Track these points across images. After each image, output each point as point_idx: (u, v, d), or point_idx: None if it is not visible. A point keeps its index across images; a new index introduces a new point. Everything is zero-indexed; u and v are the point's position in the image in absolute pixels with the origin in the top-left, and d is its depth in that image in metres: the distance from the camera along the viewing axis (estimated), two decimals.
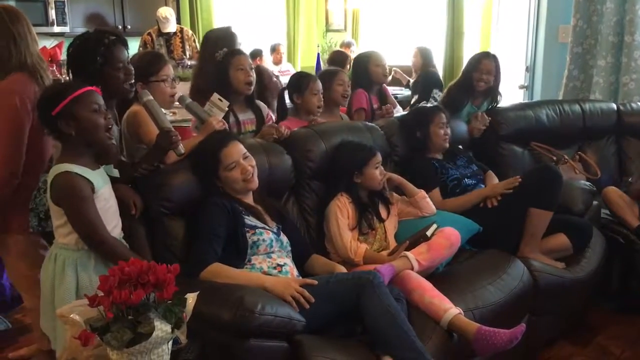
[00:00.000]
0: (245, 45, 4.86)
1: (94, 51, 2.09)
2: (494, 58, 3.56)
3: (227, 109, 2.60)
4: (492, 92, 3.61)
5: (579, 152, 3.73)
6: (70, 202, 1.89)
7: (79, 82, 1.96)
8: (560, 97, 4.47)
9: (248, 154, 2.35)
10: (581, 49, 4.45)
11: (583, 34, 4.42)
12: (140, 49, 5.48)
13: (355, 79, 3.82)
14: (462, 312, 2.20)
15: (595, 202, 3.24)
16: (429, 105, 3.50)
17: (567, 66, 4.49)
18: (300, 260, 2.39)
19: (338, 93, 3.32)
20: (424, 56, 5.10)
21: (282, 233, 2.34)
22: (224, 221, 2.18)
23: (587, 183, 3.31)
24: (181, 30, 5.75)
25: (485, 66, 3.52)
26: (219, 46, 3.27)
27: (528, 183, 2.83)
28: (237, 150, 2.32)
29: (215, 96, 2.58)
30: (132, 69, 2.19)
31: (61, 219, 1.93)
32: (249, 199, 2.36)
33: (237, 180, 2.29)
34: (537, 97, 4.85)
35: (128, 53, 2.23)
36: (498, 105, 3.68)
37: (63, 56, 5.04)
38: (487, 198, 2.89)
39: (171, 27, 5.60)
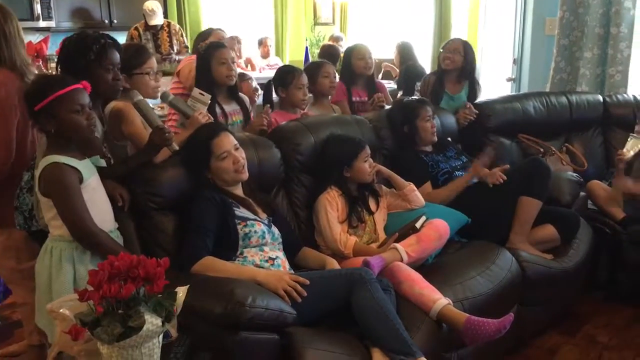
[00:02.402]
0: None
1: (89, 47, 2.09)
2: (461, 41, 3.62)
3: (209, 102, 2.61)
4: (466, 76, 3.61)
5: (566, 144, 3.77)
6: (56, 191, 1.89)
7: (67, 78, 1.95)
8: (547, 89, 4.49)
9: (239, 145, 2.35)
10: (568, 41, 4.47)
11: (569, 26, 4.44)
12: None
13: (340, 71, 3.84)
14: (451, 302, 2.22)
15: (582, 193, 3.27)
16: (413, 98, 3.50)
17: (554, 58, 4.52)
18: (291, 253, 2.39)
19: (325, 85, 3.35)
20: (401, 51, 5.10)
21: (273, 225, 2.35)
22: (214, 214, 2.18)
23: (574, 174, 3.34)
24: (168, 25, 5.70)
25: (449, 46, 3.59)
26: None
27: (517, 175, 2.85)
28: (229, 140, 2.32)
29: (196, 91, 2.59)
30: (120, 75, 2.19)
31: (52, 211, 1.92)
32: (239, 191, 2.36)
33: (229, 171, 2.29)
34: (524, 89, 4.87)
35: (119, 61, 2.22)
36: (479, 96, 3.69)
37: (49, 51, 5.00)
38: (480, 179, 2.88)
39: (158, 19, 5.54)
